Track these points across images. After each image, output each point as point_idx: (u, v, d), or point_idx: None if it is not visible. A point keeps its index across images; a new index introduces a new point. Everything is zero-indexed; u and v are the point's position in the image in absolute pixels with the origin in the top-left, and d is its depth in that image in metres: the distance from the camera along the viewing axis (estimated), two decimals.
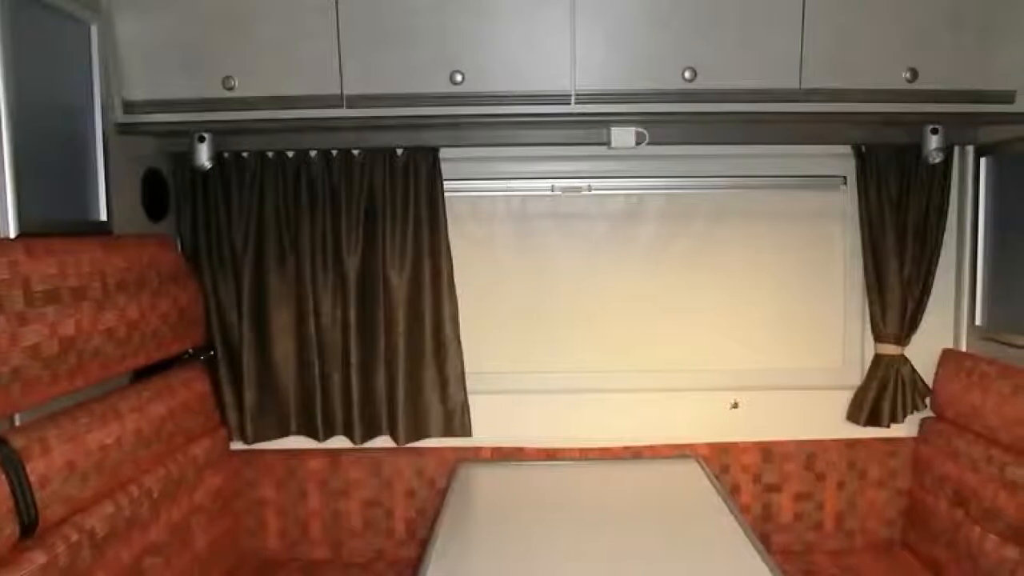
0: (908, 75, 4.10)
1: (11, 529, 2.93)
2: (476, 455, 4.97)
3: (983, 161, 4.68)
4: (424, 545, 3.95)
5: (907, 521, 4.97)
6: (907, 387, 4.88)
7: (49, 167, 3.59)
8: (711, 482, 4.46)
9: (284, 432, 4.92)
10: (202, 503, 4.32)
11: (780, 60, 4.11)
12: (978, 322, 4.76)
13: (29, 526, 3.03)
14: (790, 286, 5.05)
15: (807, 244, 5.04)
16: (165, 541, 3.91)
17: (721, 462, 4.99)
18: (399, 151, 4.66)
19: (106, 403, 3.65)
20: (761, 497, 5.04)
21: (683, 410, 5.02)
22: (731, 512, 4.03)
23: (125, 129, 4.15)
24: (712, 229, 5.02)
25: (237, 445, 4.88)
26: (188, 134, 4.38)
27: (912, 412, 4.93)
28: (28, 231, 3.30)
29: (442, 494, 4.57)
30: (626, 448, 5.02)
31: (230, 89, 4.10)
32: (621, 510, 4.29)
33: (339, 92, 4.12)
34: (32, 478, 3.04)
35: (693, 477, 4.59)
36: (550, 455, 4.99)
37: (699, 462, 4.77)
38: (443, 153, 4.69)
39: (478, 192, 4.96)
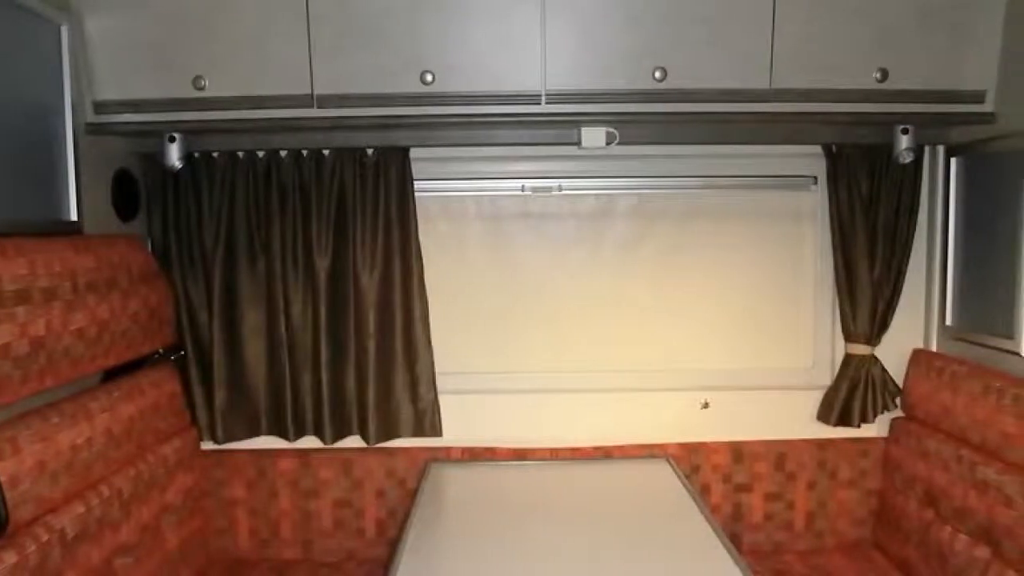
0: (878, 75, 4.20)
1: None
2: (446, 455, 5.02)
3: (953, 161, 4.75)
4: (394, 545, 4.02)
5: (877, 521, 5.05)
6: (877, 387, 4.96)
7: (19, 167, 3.65)
8: (681, 482, 4.53)
9: (254, 432, 4.97)
10: (172, 503, 4.38)
11: (750, 60, 4.19)
12: (948, 322, 4.83)
13: None
14: (761, 286, 5.13)
15: (778, 244, 5.11)
16: (135, 541, 3.96)
17: (691, 462, 5.05)
18: (369, 151, 4.73)
19: (77, 403, 3.71)
20: (731, 497, 5.10)
21: (654, 410, 5.09)
22: (701, 512, 4.10)
23: (95, 129, 4.22)
24: (683, 229, 5.09)
25: (207, 445, 4.93)
26: (158, 134, 4.44)
27: (882, 412, 5.01)
28: None
29: (412, 494, 4.62)
30: (597, 448, 5.08)
31: (200, 89, 4.17)
32: (591, 510, 4.35)
33: (309, 92, 4.19)
34: (2, 478, 3.11)
35: (663, 477, 4.66)
36: (520, 455, 5.05)
37: (669, 462, 4.84)
38: (414, 153, 4.77)
39: (449, 192, 5.02)
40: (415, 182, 4.78)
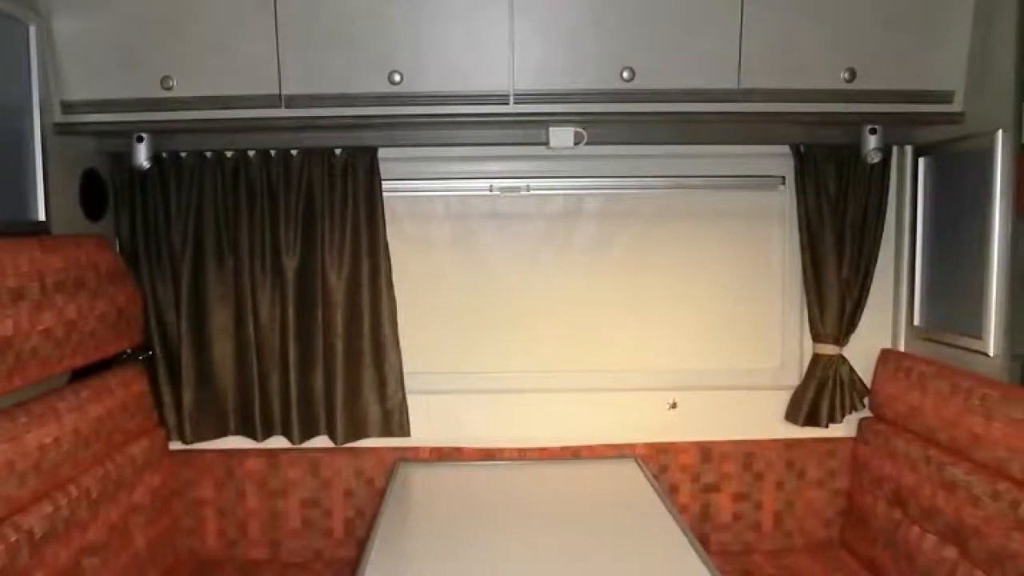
0: (846, 75, 4.29)
1: None
2: (415, 455, 5.10)
3: (921, 161, 4.86)
4: (362, 545, 4.10)
5: (845, 521, 5.16)
6: (845, 387, 5.06)
7: None
8: (650, 482, 4.60)
9: (222, 432, 5.03)
10: (140, 503, 4.42)
11: (718, 60, 4.28)
12: (916, 322, 4.94)
13: None
14: (729, 286, 5.21)
15: (746, 244, 5.20)
16: (103, 541, 4.00)
17: (660, 462, 5.14)
18: (337, 151, 4.80)
19: (44, 403, 3.78)
20: (700, 497, 5.19)
21: (622, 410, 5.17)
22: (669, 512, 4.17)
23: (63, 129, 4.28)
24: (651, 229, 5.18)
25: (175, 445, 4.98)
26: (127, 134, 4.51)
27: (850, 412, 5.11)
28: None
29: (380, 494, 4.69)
30: (565, 448, 5.16)
31: (168, 89, 4.23)
32: (560, 510, 4.42)
33: (277, 92, 4.26)
34: None
35: (632, 477, 4.73)
36: (489, 455, 5.13)
37: (638, 462, 4.91)
38: (382, 153, 4.83)
39: (417, 192, 5.09)
40: (383, 182, 4.85)
